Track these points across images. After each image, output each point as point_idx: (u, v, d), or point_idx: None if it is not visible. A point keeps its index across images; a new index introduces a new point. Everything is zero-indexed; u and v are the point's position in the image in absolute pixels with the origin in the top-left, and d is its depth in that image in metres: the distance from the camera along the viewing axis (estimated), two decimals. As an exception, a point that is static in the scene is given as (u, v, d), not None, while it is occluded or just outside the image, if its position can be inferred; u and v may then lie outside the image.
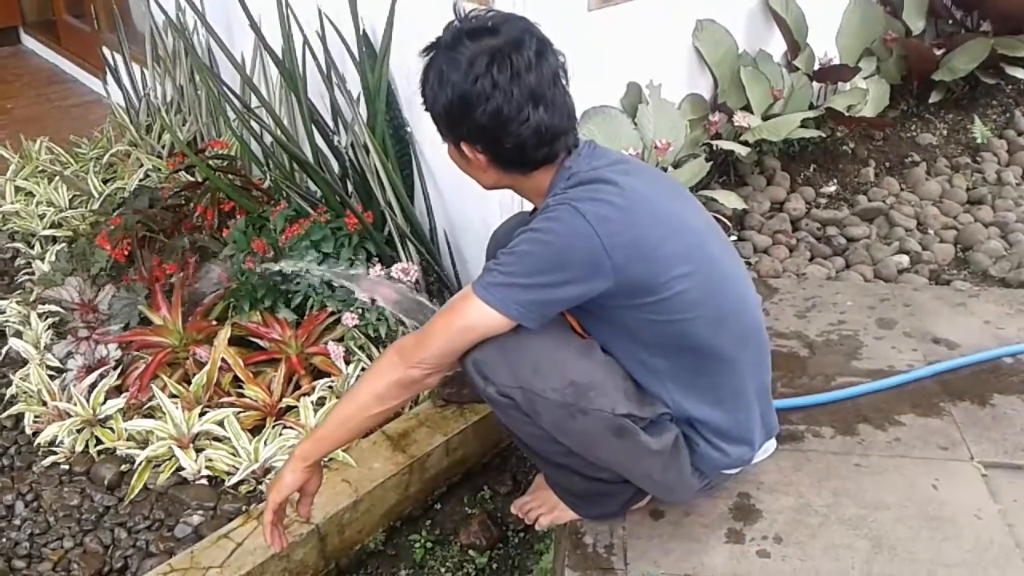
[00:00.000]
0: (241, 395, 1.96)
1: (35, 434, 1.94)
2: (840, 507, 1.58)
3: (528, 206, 1.60)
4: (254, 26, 2.31)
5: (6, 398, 2.06)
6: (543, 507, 1.63)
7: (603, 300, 1.31)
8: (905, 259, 2.45)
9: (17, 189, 2.83)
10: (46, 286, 2.29)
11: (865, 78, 2.90)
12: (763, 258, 2.45)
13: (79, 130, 3.33)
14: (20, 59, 4.46)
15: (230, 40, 2.51)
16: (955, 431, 1.76)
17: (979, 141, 3.01)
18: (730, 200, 2.44)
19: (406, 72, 2.21)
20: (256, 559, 1.58)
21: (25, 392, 2.03)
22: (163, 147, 3.01)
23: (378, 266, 2.10)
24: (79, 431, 1.91)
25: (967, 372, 1.93)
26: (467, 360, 1.35)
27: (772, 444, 1.62)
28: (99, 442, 1.90)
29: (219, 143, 2.63)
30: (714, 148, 2.52)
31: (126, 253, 2.29)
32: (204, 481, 1.81)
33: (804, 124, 2.63)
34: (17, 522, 1.77)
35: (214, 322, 2.13)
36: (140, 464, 1.82)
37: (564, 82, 1.32)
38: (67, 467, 1.88)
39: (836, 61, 2.87)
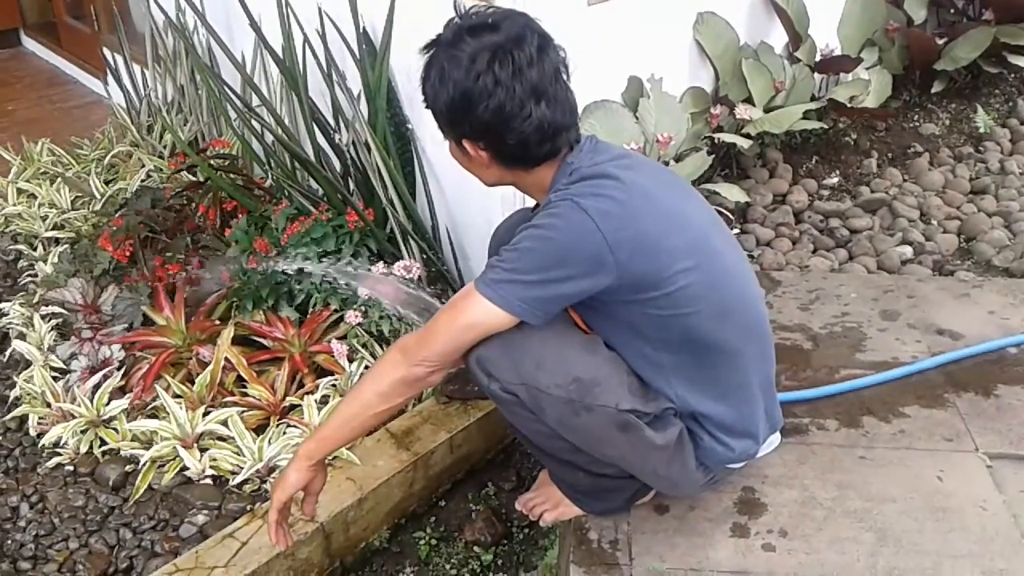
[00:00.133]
0: (245, 394, 1.96)
1: (39, 435, 1.95)
2: (845, 500, 1.58)
3: (530, 202, 1.59)
4: (254, 25, 2.31)
5: (10, 400, 2.07)
6: (548, 503, 1.63)
7: (606, 295, 1.30)
8: (908, 250, 2.44)
9: (19, 191, 2.83)
10: (49, 288, 2.29)
11: (867, 69, 2.89)
12: (766, 251, 2.44)
13: (80, 131, 3.33)
14: (21, 61, 4.46)
15: (230, 39, 2.50)
16: (960, 422, 1.76)
17: (982, 130, 3.00)
18: (732, 193, 2.43)
19: (406, 69, 2.21)
20: (261, 558, 1.58)
21: (29, 393, 2.03)
22: (164, 147, 3.00)
23: (380, 264, 2.10)
24: (83, 432, 1.92)
25: (971, 363, 1.92)
26: (471, 357, 1.35)
27: (777, 438, 1.61)
28: (103, 443, 1.90)
29: (220, 143, 2.63)
30: (716, 141, 2.51)
31: (128, 254, 2.29)
32: (208, 481, 1.82)
33: (806, 116, 2.62)
34: (22, 523, 1.77)
35: (217, 322, 2.13)
36: (144, 464, 1.82)
37: (565, 77, 1.32)
38: (72, 468, 1.88)
39: (838, 52, 2.86)
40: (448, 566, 1.78)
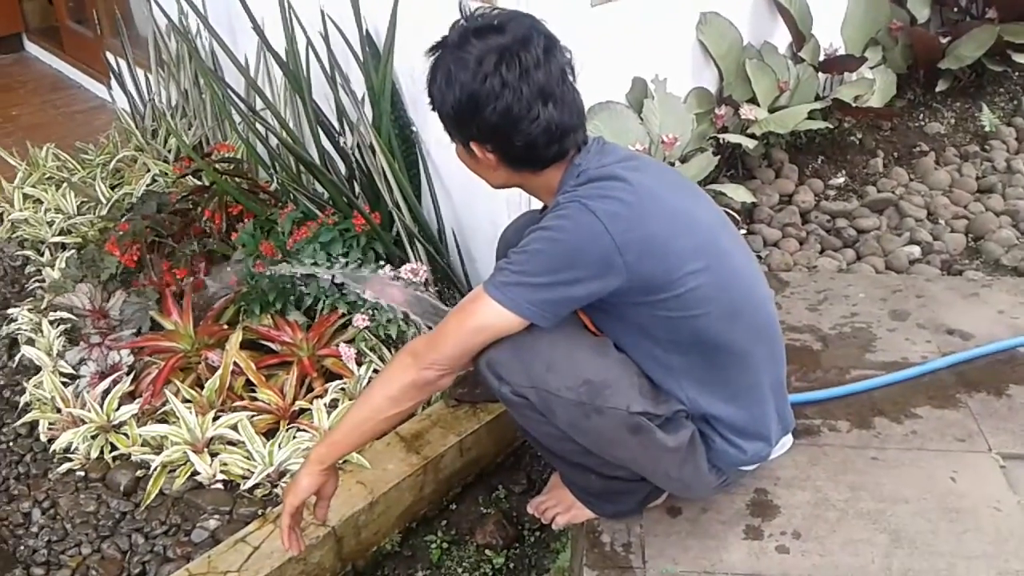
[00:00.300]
0: (254, 399, 1.96)
1: (50, 441, 1.95)
2: (858, 501, 1.57)
3: (536, 204, 1.59)
4: (257, 28, 2.31)
5: (20, 405, 2.07)
6: (559, 506, 1.63)
7: (616, 297, 1.30)
8: (916, 250, 2.44)
9: (25, 196, 2.84)
10: (57, 293, 2.30)
11: (871, 68, 2.88)
12: (773, 251, 2.44)
13: (85, 136, 3.33)
14: (24, 66, 4.47)
15: (233, 43, 2.50)
16: (972, 422, 1.75)
17: (987, 129, 2.99)
18: (738, 194, 2.43)
19: (410, 72, 2.21)
20: (273, 562, 1.58)
21: (39, 399, 2.03)
22: (169, 151, 3.00)
23: (387, 267, 2.10)
24: (94, 437, 1.92)
25: (982, 363, 1.92)
26: (481, 360, 1.35)
27: (789, 439, 1.61)
28: (114, 448, 1.90)
29: (225, 146, 2.63)
30: (721, 142, 2.51)
31: (135, 259, 2.29)
32: (219, 485, 1.82)
33: (811, 116, 2.61)
34: (35, 529, 1.77)
35: (225, 326, 2.13)
36: (155, 469, 1.82)
37: (572, 79, 1.32)
38: (83, 473, 1.88)
39: (841, 51, 2.85)
40: (460, 569, 1.78)
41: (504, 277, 1.29)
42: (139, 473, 1.86)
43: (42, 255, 2.61)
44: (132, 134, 3.08)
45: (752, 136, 2.53)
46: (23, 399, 2.06)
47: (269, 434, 1.89)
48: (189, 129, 2.96)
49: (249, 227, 2.26)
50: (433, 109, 1.34)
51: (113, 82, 3.39)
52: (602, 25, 2.15)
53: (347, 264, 2.09)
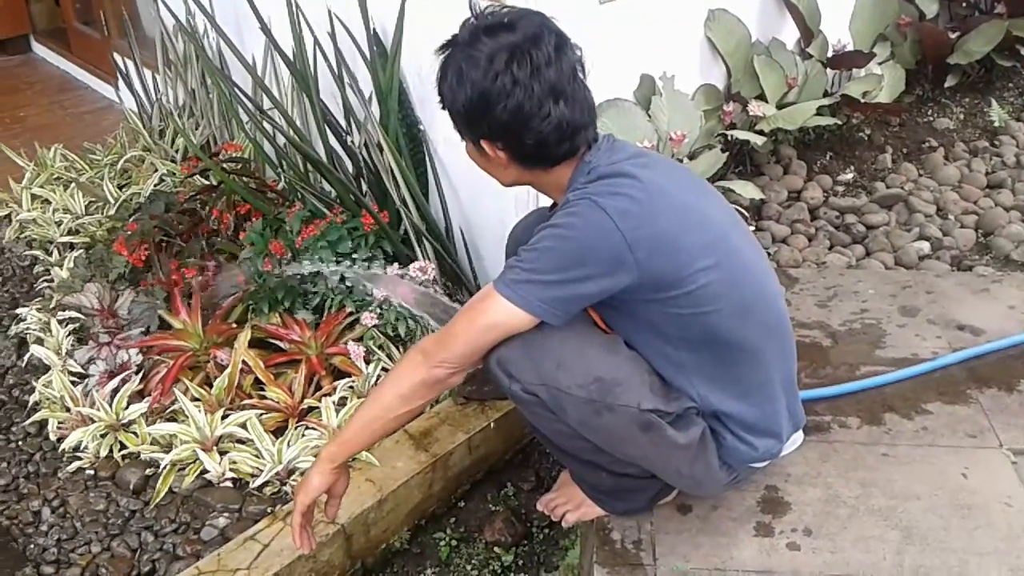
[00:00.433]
0: (263, 397, 1.96)
1: (59, 440, 1.96)
2: (869, 498, 1.57)
3: (544, 201, 1.59)
4: (264, 28, 2.31)
5: (29, 404, 2.08)
6: (569, 504, 1.63)
7: (626, 295, 1.29)
8: (926, 245, 2.43)
9: (33, 197, 2.85)
10: (65, 292, 2.30)
11: (879, 64, 2.87)
12: (782, 248, 2.43)
13: (92, 136, 3.34)
14: (31, 67, 4.48)
15: (240, 43, 2.51)
16: (983, 418, 1.74)
17: (997, 124, 2.98)
18: (747, 190, 2.42)
19: (417, 70, 2.21)
20: (283, 560, 1.59)
21: (48, 398, 2.04)
22: (177, 151, 3.01)
23: (395, 265, 2.10)
24: (103, 436, 1.92)
25: (993, 358, 1.91)
26: (491, 358, 1.35)
27: (800, 436, 1.60)
28: (123, 447, 1.91)
29: (232, 146, 2.63)
30: (729, 138, 2.50)
31: (144, 258, 2.30)
32: (229, 483, 1.82)
33: (819, 112, 2.60)
34: (44, 528, 1.78)
35: (234, 325, 2.13)
36: (165, 468, 1.83)
37: (582, 76, 1.31)
38: (92, 472, 1.89)
39: (850, 47, 2.84)
40: (469, 567, 1.78)
41: (514, 275, 1.28)
42: (148, 471, 1.86)
43: (50, 255, 2.61)
44: (139, 134, 3.09)
45: (760, 133, 2.52)
46: (32, 398, 2.07)
47: (278, 432, 1.90)
48: (196, 129, 2.96)
49: (257, 226, 2.26)
50: (443, 107, 1.34)
51: (120, 83, 3.40)
52: (610, 22, 2.14)
53: (355, 262, 2.09)
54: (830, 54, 2.77)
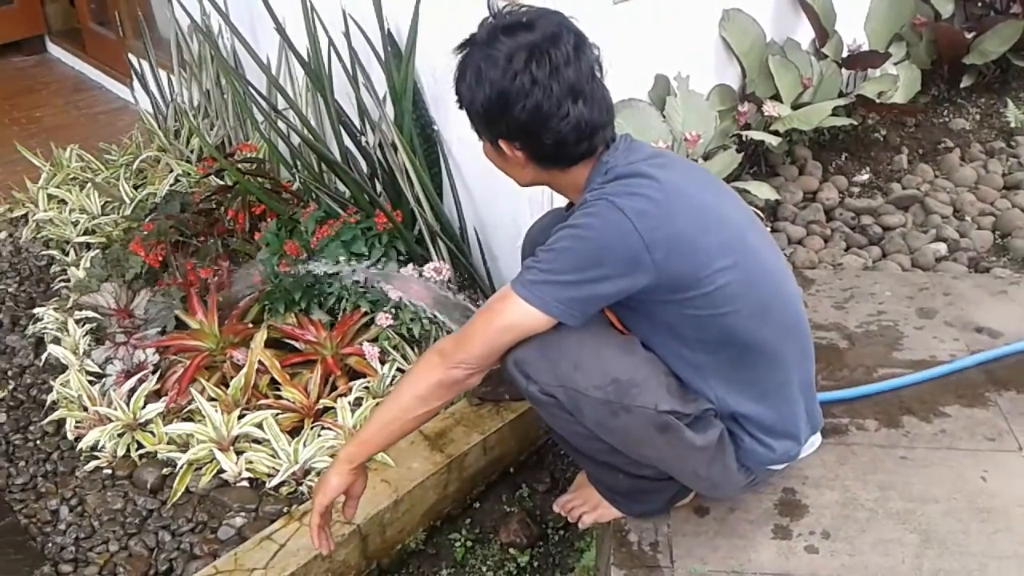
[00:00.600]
0: (279, 397, 1.97)
1: (77, 439, 1.97)
2: (888, 501, 1.56)
3: (559, 201, 1.59)
4: (279, 28, 2.32)
5: (47, 404, 2.09)
6: (586, 505, 1.62)
7: (644, 295, 1.29)
8: (943, 247, 2.41)
9: (50, 197, 2.87)
10: (82, 292, 2.32)
11: (895, 64, 2.85)
12: (798, 249, 2.42)
13: (108, 137, 3.36)
14: (46, 67, 4.51)
15: (255, 42, 2.52)
16: (1002, 421, 1.73)
17: (1013, 125, 2.95)
18: (762, 191, 2.41)
19: (431, 70, 2.21)
20: (299, 560, 1.59)
21: (65, 398, 2.05)
22: (192, 152, 3.02)
23: (410, 265, 2.10)
24: (120, 435, 1.93)
25: (1012, 361, 1.89)
26: (508, 359, 1.35)
27: (817, 438, 1.59)
28: (140, 446, 1.92)
29: (247, 146, 2.64)
30: (744, 139, 2.49)
31: (160, 258, 2.31)
32: (245, 483, 1.82)
33: (835, 112, 2.59)
34: (62, 527, 1.79)
35: (250, 325, 2.14)
36: (182, 467, 1.83)
37: (601, 76, 1.31)
38: (109, 471, 1.90)
39: (865, 47, 2.82)
40: (484, 568, 1.78)
41: (532, 275, 1.28)
42: (165, 471, 1.87)
43: (67, 255, 2.63)
44: (155, 134, 3.10)
45: (775, 133, 2.51)
46: (50, 398, 2.08)
47: (294, 432, 1.90)
48: (211, 129, 2.97)
49: (272, 226, 2.27)
50: (461, 107, 1.34)
51: (135, 83, 3.42)
52: (624, 22, 2.14)
53: (369, 263, 2.09)
54: (845, 54, 2.76)
